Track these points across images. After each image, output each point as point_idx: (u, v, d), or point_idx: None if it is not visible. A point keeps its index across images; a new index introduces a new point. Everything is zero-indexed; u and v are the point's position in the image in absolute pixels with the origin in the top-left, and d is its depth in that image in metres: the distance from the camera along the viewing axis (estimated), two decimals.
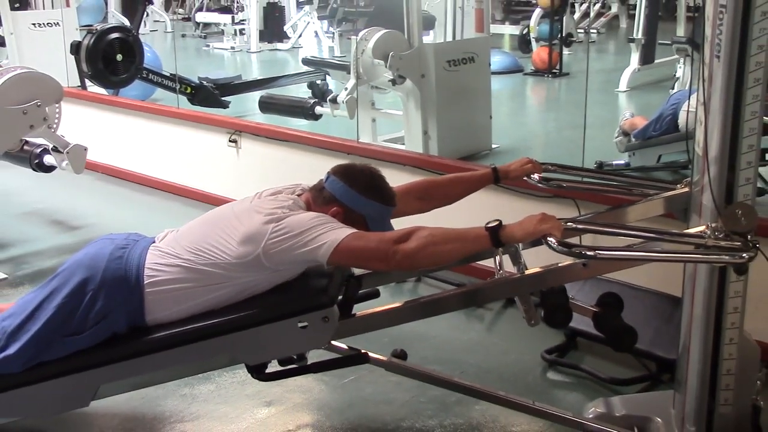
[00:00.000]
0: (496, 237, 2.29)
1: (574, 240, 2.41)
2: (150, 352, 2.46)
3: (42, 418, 2.83)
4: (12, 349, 2.42)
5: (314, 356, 2.71)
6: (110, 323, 2.43)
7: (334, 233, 2.34)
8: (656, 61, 9.25)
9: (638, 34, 9.05)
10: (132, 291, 2.44)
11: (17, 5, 9.59)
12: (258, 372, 2.66)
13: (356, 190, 2.57)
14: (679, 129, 5.15)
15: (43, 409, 2.55)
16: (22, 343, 2.42)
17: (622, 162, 5.58)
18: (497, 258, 2.71)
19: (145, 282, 2.45)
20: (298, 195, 2.61)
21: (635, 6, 9.41)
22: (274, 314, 2.45)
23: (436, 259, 2.36)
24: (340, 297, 2.58)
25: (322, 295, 2.49)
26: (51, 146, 4.51)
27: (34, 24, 9.07)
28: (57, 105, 4.35)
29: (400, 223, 2.56)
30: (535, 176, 2.93)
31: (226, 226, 2.48)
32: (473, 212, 3.83)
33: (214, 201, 5.36)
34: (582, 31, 13.15)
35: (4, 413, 2.57)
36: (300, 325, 2.46)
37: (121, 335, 2.46)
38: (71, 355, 2.45)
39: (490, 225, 2.31)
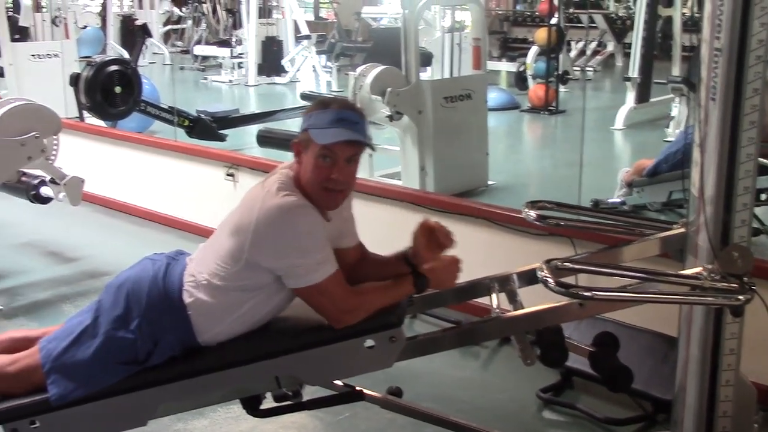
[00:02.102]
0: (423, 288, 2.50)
1: (570, 279, 2.41)
2: (213, 371, 2.42)
3: None
4: (72, 384, 2.38)
5: (309, 393, 2.70)
6: (164, 349, 2.40)
7: (308, 276, 2.34)
8: (652, 100, 9.32)
9: (634, 72, 9.12)
10: (177, 315, 2.41)
11: (17, 37, 9.66)
12: (253, 408, 2.64)
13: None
14: None
15: (100, 428, 2.50)
16: (82, 375, 2.38)
17: (618, 200, 5.59)
18: (494, 296, 2.72)
19: (186, 303, 2.42)
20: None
21: (631, 45, 9.48)
22: (340, 333, 2.42)
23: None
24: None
25: (390, 314, 2.47)
26: (48, 178, 4.52)
27: (33, 55, 9.14)
28: (55, 137, 4.37)
29: None
30: (532, 213, 2.93)
31: (222, 229, 2.46)
32: (470, 249, 3.85)
33: (210, 235, 5.36)
34: (578, 69, 13.25)
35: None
36: (366, 345, 2.44)
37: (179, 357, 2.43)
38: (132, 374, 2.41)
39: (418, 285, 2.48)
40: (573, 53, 13.76)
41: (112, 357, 2.39)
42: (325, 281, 2.35)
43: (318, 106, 2.45)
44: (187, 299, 2.42)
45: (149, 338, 2.39)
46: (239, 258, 2.36)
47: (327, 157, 2.37)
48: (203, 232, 5.39)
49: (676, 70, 9.15)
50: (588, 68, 13.78)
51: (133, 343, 2.39)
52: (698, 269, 2.32)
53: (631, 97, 9.15)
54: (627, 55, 11.67)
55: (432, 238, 2.51)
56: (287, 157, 6.25)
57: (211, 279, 2.42)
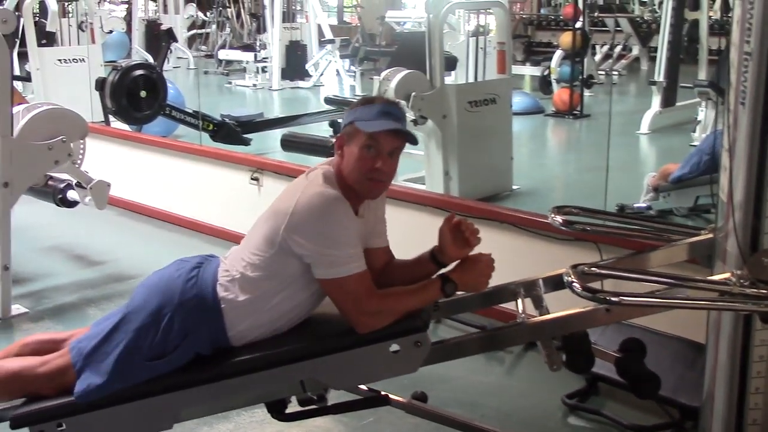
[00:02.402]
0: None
1: (596, 285, 2.41)
2: (237, 374, 2.43)
3: None
4: (98, 378, 2.41)
5: (334, 397, 2.70)
6: (192, 343, 2.42)
7: (336, 268, 2.37)
8: (678, 104, 9.26)
9: (659, 76, 9.08)
10: (210, 309, 2.44)
11: (44, 42, 9.76)
12: (278, 412, 2.65)
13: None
14: None
15: (126, 431, 2.51)
16: (108, 369, 2.40)
17: (644, 205, 5.56)
18: (519, 301, 2.71)
19: (220, 296, 2.46)
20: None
21: (656, 48, 9.43)
22: (365, 338, 2.43)
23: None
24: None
25: (416, 318, 2.47)
26: (75, 182, 4.56)
27: (60, 60, 9.22)
28: (82, 141, 4.41)
29: None
30: (558, 219, 2.92)
31: (257, 223, 2.52)
32: (495, 254, 3.82)
33: (236, 239, 5.35)
34: (603, 72, 13.19)
35: None
36: (392, 349, 2.45)
37: (205, 356, 2.45)
38: (155, 377, 2.43)
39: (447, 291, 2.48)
40: (598, 57, 13.70)
41: (141, 353, 2.41)
42: (351, 277, 2.37)
43: (363, 102, 2.55)
44: (221, 293, 2.46)
45: (179, 333, 2.41)
46: (274, 242, 2.40)
47: (371, 148, 2.43)
48: (228, 236, 5.41)
49: (703, 74, 9.09)
50: (613, 72, 13.72)
51: (164, 338, 2.41)
52: (727, 275, 2.31)
53: (656, 101, 9.10)
54: (652, 59, 11.62)
55: (458, 235, 2.53)
56: (312, 161, 6.32)
57: (244, 271, 2.46)
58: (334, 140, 6.96)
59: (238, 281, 2.46)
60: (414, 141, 2.54)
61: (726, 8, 10.44)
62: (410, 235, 3.71)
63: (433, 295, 2.49)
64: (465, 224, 2.54)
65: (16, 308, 4.42)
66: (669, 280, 2.41)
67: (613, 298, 2.22)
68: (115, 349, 2.42)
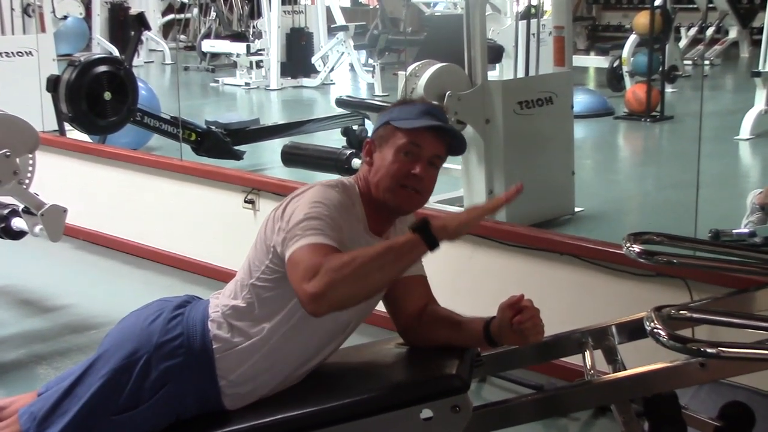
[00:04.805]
0: (429, 234, 2.28)
1: (686, 332, 2.39)
2: None
3: None
4: None
5: None
6: (172, 397, 2.44)
7: (298, 240, 2.33)
8: None
9: (765, 66, 9.04)
10: (198, 353, 2.47)
11: None
12: None
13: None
14: None
15: None
16: (60, 427, 2.42)
17: (746, 231, 5.52)
18: (586, 354, 2.70)
19: (211, 335, 2.49)
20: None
21: (761, 30, 9.39)
22: (389, 401, 2.44)
23: (357, 291, 2.28)
24: None
25: (453, 377, 2.46)
26: (21, 207, 4.58)
27: (0, 53, 9.28)
28: (30, 156, 4.42)
29: None
30: (635, 248, 2.90)
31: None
32: (555, 294, 3.80)
33: (226, 277, 5.38)
34: (690, 62, 13.16)
35: None
36: (423, 416, 2.44)
37: (189, 422, 2.46)
38: None
39: (416, 226, 2.30)
40: (683, 43, 13.69)
41: (108, 405, 2.43)
42: (299, 249, 2.31)
43: (400, 103, 2.73)
44: (213, 330, 2.50)
45: (156, 381, 2.44)
46: (269, 246, 2.47)
47: (410, 153, 2.51)
48: (216, 274, 5.43)
49: None
50: (704, 62, 13.70)
51: (137, 387, 2.42)
52: None
53: (761, 97, 9.05)
54: (755, 43, 11.60)
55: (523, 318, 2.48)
56: (318, 178, 6.30)
57: (237, 303, 2.52)
58: (348, 153, 7.00)
59: (231, 315, 2.51)
60: (461, 148, 2.62)
61: None
62: (446, 267, 3.72)
63: (409, 243, 2.30)
64: (527, 318, 2.46)
65: None
66: None
67: (710, 350, 2.20)
68: (79, 402, 2.44)
